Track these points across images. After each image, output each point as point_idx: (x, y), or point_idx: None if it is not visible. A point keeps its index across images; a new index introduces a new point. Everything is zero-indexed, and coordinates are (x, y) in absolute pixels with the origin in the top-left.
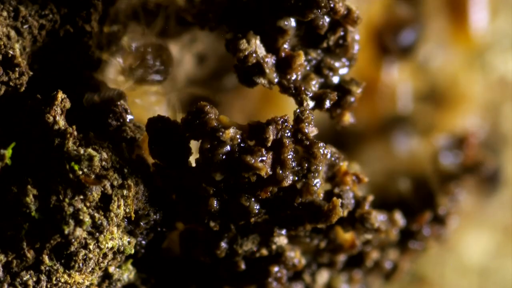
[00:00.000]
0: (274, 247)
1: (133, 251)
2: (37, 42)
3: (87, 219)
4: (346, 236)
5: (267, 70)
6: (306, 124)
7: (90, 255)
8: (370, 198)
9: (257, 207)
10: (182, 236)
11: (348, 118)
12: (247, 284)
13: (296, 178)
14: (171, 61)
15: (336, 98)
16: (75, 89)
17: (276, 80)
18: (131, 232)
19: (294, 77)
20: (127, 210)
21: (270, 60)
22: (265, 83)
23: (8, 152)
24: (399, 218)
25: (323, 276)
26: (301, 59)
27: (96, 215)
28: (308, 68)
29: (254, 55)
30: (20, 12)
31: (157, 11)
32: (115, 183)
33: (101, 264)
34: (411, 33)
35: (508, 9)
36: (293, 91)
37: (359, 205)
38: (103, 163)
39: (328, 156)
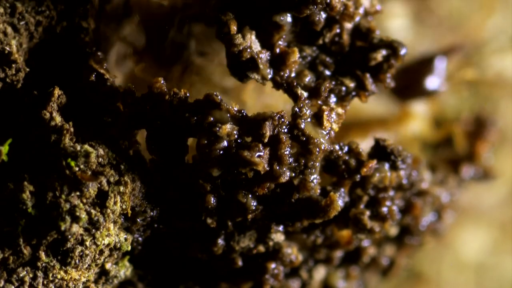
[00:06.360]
0: (271, 243)
1: (129, 248)
2: (33, 39)
3: (83, 215)
4: (342, 232)
5: (261, 66)
6: (303, 120)
7: (87, 252)
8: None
9: (254, 203)
10: (179, 232)
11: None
12: (244, 281)
13: (293, 174)
14: None
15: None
16: (71, 86)
17: (269, 76)
18: (128, 228)
19: (287, 73)
20: (124, 207)
21: (265, 55)
22: (258, 78)
23: (4, 149)
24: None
25: (320, 272)
26: (296, 56)
27: (93, 211)
28: (302, 64)
29: (248, 50)
30: (16, 9)
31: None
32: (111, 179)
33: (98, 261)
34: None
35: (504, 5)
36: (286, 87)
37: (354, 204)
38: (100, 159)
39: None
